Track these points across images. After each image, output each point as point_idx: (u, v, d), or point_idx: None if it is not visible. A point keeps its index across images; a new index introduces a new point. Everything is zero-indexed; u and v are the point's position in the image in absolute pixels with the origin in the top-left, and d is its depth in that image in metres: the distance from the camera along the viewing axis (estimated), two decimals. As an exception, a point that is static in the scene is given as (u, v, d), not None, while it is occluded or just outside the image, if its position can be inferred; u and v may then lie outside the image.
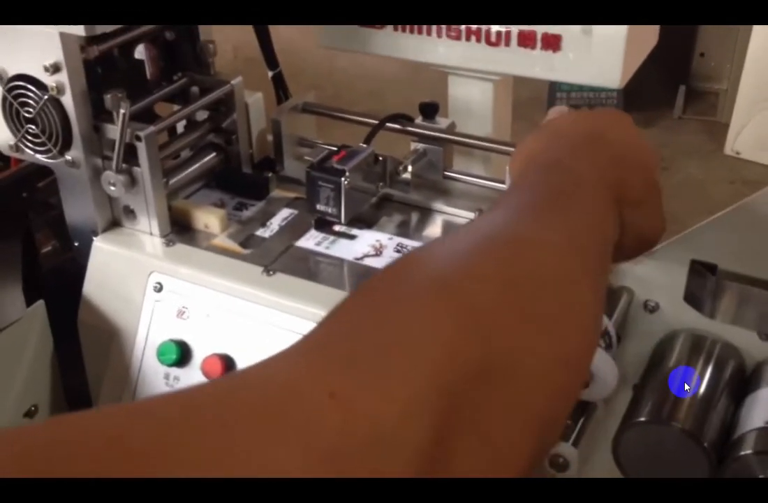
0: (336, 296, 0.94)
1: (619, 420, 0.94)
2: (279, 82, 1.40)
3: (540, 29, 1.09)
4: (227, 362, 0.95)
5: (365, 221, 1.06)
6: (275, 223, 1.07)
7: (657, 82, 3.57)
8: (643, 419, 0.88)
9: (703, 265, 0.95)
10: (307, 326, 0.91)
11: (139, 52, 1.12)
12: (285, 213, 1.09)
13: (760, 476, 0.81)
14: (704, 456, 0.85)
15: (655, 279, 0.99)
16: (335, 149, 1.07)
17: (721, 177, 3.45)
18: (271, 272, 0.98)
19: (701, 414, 0.88)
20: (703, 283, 0.94)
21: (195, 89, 1.14)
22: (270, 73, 1.40)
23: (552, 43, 1.09)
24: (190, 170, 1.11)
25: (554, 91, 3.49)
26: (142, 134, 0.98)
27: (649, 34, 1.18)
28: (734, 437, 0.86)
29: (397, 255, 1.00)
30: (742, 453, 0.83)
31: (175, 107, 1.15)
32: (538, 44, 1.10)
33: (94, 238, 1.05)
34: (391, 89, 3.36)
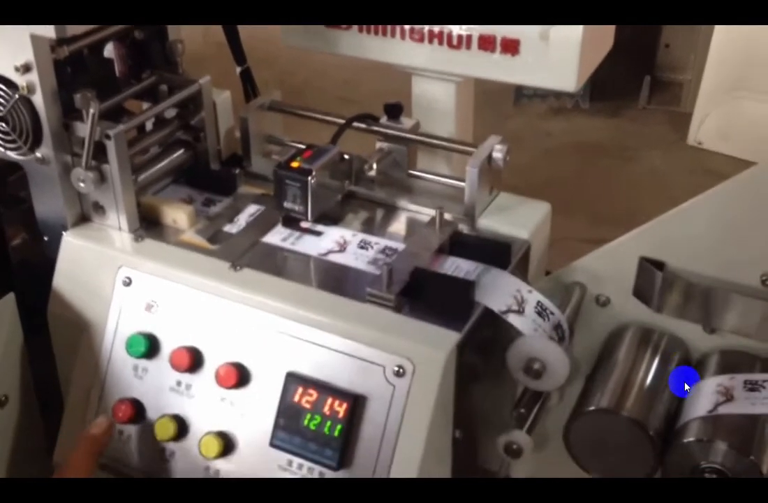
0: (300, 290, 0.98)
1: (571, 407, 0.98)
2: (247, 77, 1.43)
3: (499, 33, 1.12)
4: (194, 354, 0.98)
5: (331, 218, 1.09)
6: (242, 219, 1.10)
7: (623, 72, 3.61)
8: (592, 408, 0.92)
9: (651, 262, 0.99)
10: (272, 320, 0.95)
11: (109, 50, 1.14)
12: (252, 209, 1.12)
13: (702, 463, 0.86)
14: (650, 444, 0.90)
15: (607, 275, 1.03)
16: (302, 147, 1.10)
17: (683, 167, 3.51)
18: (238, 268, 1.01)
19: (647, 404, 0.93)
20: (651, 279, 0.99)
21: (164, 87, 1.16)
22: (238, 69, 1.42)
23: (511, 47, 1.13)
24: (158, 166, 1.14)
25: (521, 81, 3.52)
26: (111, 132, 1.01)
27: (605, 38, 1.22)
28: (678, 425, 0.91)
29: (360, 251, 1.04)
30: (685, 440, 0.88)
31: (144, 105, 1.18)
32: (498, 48, 1.14)
33: (64, 232, 1.07)
34: (366, 78, 3.38)
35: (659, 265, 0.98)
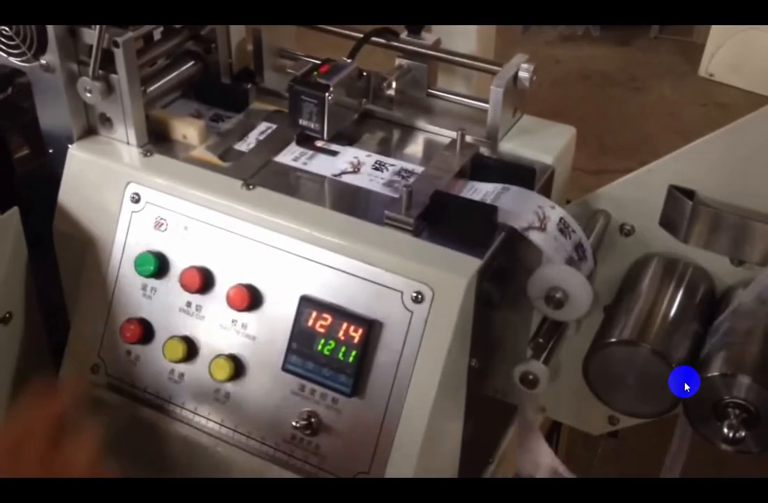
0: (315, 212, 0.94)
1: (589, 340, 0.96)
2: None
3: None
4: (205, 274, 0.95)
5: (346, 137, 1.05)
6: (254, 136, 1.06)
7: (635, 0, 3.51)
8: (613, 340, 0.90)
9: (680, 190, 0.96)
10: (286, 241, 0.92)
11: (116, -48, 1.08)
12: (264, 126, 1.07)
13: (725, 397, 0.84)
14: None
15: (632, 203, 1.00)
16: (318, 62, 1.05)
17: (693, 99, 3.45)
18: (251, 186, 0.97)
19: (670, 336, 0.91)
20: (680, 208, 0.96)
21: (174, -6, 1.10)
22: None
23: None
24: (167, 78, 1.09)
25: (533, 4, 3.43)
26: (120, 39, 0.96)
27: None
28: (701, 358, 0.89)
29: (375, 173, 1.00)
30: (708, 374, 0.86)
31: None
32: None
33: (70, 145, 1.03)
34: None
35: (689, 194, 0.95)
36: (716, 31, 3.37)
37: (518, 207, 0.92)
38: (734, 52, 3.40)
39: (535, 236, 0.89)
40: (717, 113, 3.34)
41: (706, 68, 3.51)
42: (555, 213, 0.92)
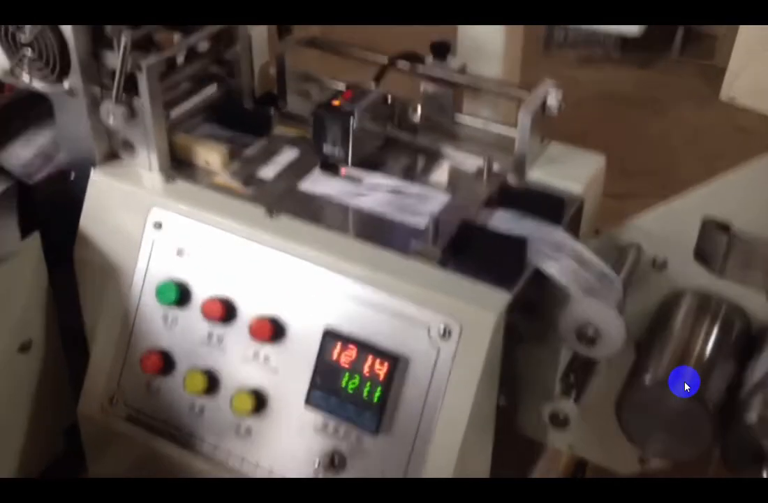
0: (340, 240, 0.92)
1: (620, 376, 0.93)
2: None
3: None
4: (227, 304, 0.93)
5: (371, 164, 1.03)
6: (278, 162, 1.04)
7: (656, 22, 3.49)
8: (648, 382, 0.87)
9: (716, 223, 0.93)
10: (310, 271, 0.90)
11: (141, -25, 1.07)
12: (287, 152, 1.05)
13: (764, 441, 0.81)
14: (708, 419, 0.85)
15: (665, 236, 0.97)
16: (343, 88, 1.03)
17: (715, 123, 3.42)
18: (274, 214, 0.95)
19: (706, 378, 0.88)
20: (715, 241, 0.93)
21: (198, 18, 1.09)
22: None
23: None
24: (190, 102, 1.07)
25: (552, 27, 3.42)
26: (143, 63, 0.94)
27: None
28: (739, 401, 0.86)
29: (400, 200, 0.98)
30: (747, 418, 0.83)
31: (175, 36, 1.10)
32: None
33: (92, 170, 1.01)
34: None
35: (724, 227, 0.92)
36: (738, 54, 3.35)
37: (539, 240, 0.89)
38: (756, 75, 3.36)
39: (551, 268, 0.86)
40: (739, 137, 3.31)
41: (728, 92, 3.48)
42: (574, 246, 0.89)
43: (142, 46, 1.02)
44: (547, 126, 1.04)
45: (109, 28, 0.93)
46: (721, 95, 3.53)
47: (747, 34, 3.27)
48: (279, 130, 1.10)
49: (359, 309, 0.88)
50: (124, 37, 0.92)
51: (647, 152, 3.19)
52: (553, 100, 1.00)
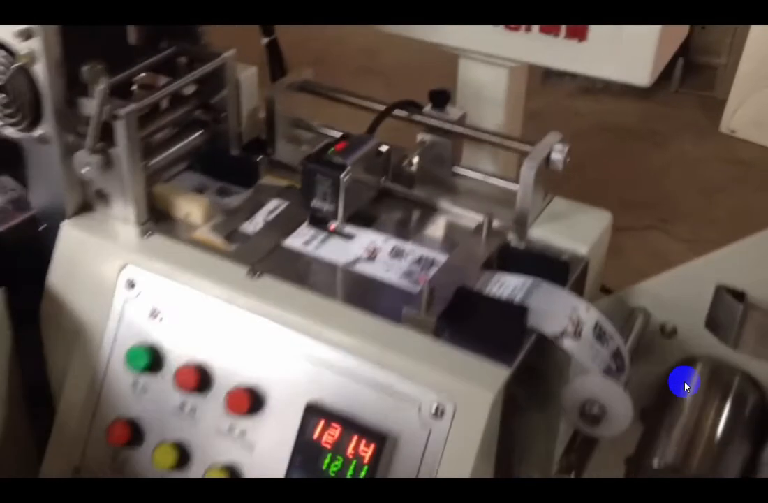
0: (326, 306, 0.86)
1: (624, 451, 0.87)
2: (274, 50, 1.30)
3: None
4: (203, 373, 0.86)
5: (363, 218, 0.97)
6: (263, 215, 0.97)
7: (656, 53, 3.45)
8: (655, 466, 0.80)
9: (730, 291, 0.87)
10: (293, 339, 0.83)
11: (123, 15, 1.01)
12: (274, 204, 0.99)
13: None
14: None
15: (676, 301, 0.91)
16: (335, 137, 0.97)
17: (715, 156, 3.37)
18: (257, 274, 0.89)
19: (717, 459, 0.81)
20: (729, 310, 0.87)
21: (183, 60, 1.03)
22: (264, 40, 1.29)
23: (578, 32, 1.00)
24: (172, 150, 1.01)
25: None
26: (121, 112, 0.88)
27: (681, 26, 1.09)
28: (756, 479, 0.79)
29: (392, 261, 0.92)
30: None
31: (160, 78, 1.05)
32: (563, 31, 1.00)
33: (63, 221, 0.95)
34: (386, 46, 3.22)
35: (739, 295, 0.86)
36: (739, 86, 3.31)
37: (550, 309, 0.83)
38: (757, 108, 3.33)
39: (569, 345, 0.80)
40: (739, 171, 3.26)
41: (728, 124, 3.44)
42: (590, 317, 0.83)
43: (123, 89, 0.97)
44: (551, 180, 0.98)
45: (85, 73, 0.87)
46: (722, 128, 3.49)
47: (748, 67, 3.25)
48: (266, 179, 1.03)
49: (345, 382, 0.81)
50: (101, 84, 0.86)
51: (646, 184, 3.14)
52: (558, 154, 0.94)
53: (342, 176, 0.91)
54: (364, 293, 0.88)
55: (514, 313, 0.82)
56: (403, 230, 0.97)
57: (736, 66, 3.32)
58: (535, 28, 1.01)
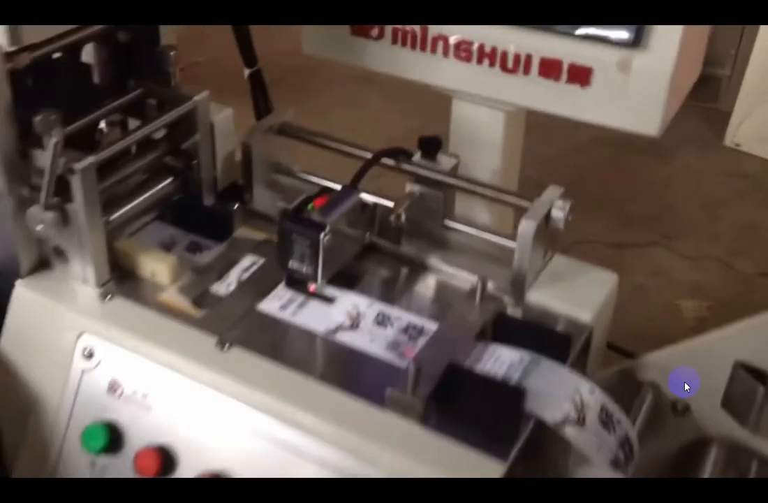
0: (302, 384, 0.77)
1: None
2: (257, 82, 1.21)
3: (567, 58, 0.91)
4: (166, 457, 0.78)
5: (345, 278, 0.89)
6: (236, 275, 0.89)
7: (659, 64, 3.38)
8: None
9: (750, 369, 0.79)
10: (264, 422, 0.75)
11: (87, 54, 0.93)
12: (249, 261, 0.91)
13: None
14: None
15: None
16: (315, 189, 0.89)
17: (719, 169, 3.29)
18: (226, 346, 0.80)
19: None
20: (748, 391, 0.79)
21: (152, 101, 0.95)
22: (246, 72, 1.21)
23: (580, 76, 0.91)
24: (139, 200, 0.93)
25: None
26: (77, 167, 0.80)
27: (695, 64, 1.01)
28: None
29: (376, 329, 0.83)
30: None
31: (129, 120, 0.97)
32: (564, 76, 0.92)
33: (17, 281, 0.87)
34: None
35: (760, 374, 0.78)
36: (744, 99, 3.24)
37: (550, 391, 0.75)
38: (762, 121, 3.26)
39: (572, 433, 0.72)
40: (743, 184, 3.19)
41: (732, 137, 3.37)
42: (595, 400, 0.75)
43: (84, 133, 0.89)
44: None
45: (38, 123, 0.79)
46: (725, 141, 3.42)
47: (754, 79, 3.18)
48: (242, 231, 0.95)
49: (319, 473, 0.73)
50: (54, 137, 0.78)
51: (648, 198, 3.07)
52: (559, 212, 0.86)
53: (321, 236, 0.82)
54: (344, 369, 0.80)
55: (511, 397, 0.74)
56: (390, 292, 0.89)
57: (740, 77, 3.26)
58: (534, 71, 0.93)
